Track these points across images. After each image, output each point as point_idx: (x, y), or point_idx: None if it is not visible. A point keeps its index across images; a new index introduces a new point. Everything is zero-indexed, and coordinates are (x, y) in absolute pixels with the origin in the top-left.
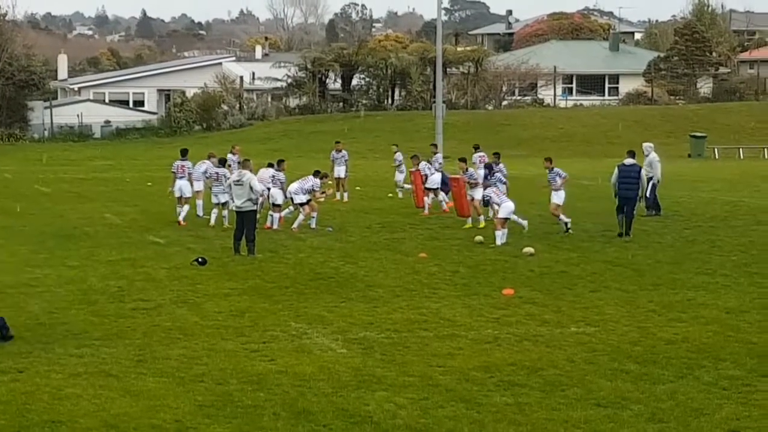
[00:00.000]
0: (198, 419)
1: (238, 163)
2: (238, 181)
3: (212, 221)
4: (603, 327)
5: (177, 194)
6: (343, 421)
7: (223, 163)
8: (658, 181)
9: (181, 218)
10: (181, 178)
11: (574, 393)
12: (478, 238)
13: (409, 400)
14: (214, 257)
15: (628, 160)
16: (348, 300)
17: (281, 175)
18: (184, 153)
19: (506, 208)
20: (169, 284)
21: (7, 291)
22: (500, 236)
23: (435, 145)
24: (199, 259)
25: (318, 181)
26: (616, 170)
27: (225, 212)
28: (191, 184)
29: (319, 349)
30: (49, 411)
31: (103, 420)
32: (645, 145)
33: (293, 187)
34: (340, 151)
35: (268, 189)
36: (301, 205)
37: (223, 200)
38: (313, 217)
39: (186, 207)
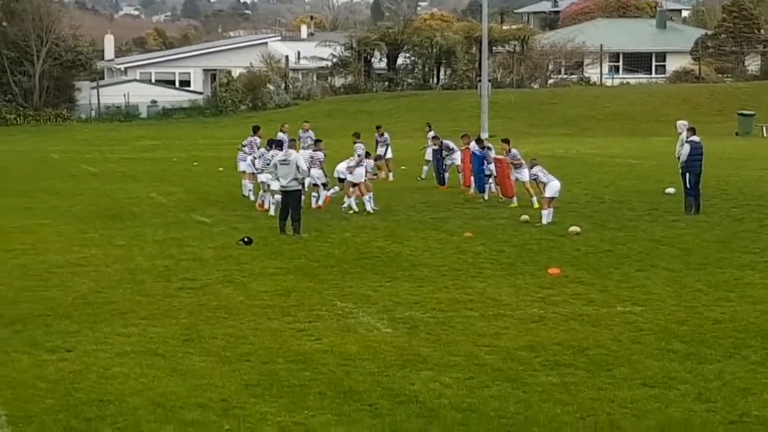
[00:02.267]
0: (244, 398)
1: (291, 140)
2: (284, 160)
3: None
4: (649, 306)
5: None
6: (389, 400)
7: (271, 144)
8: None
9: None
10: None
11: (621, 372)
12: (524, 217)
13: (455, 379)
14: (260, 236)
15: (696, 137)
16: (393, 279)
17: (320, 155)
18: (255, 129)
19: (553, 187)
20: (215, 263)
21: (55, 270)
22: (546, 215)
23: (429, 124)
24: (245, 239)
25: (371, 162)
26: (687, 147)
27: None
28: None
29: (365, 328)
30: (96, 390)
31: (150, 399)
32: (679, 123)
33: (341, 166)
34: (383, 134)
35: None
36: (354, 185)
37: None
38: (368, 199)
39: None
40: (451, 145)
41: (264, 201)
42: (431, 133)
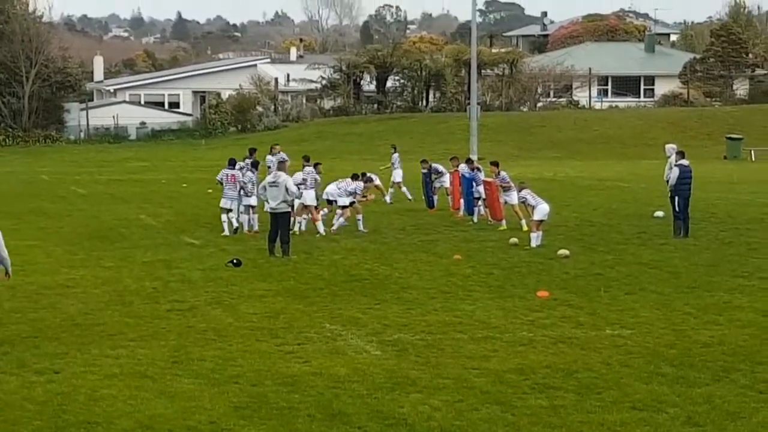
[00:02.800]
0: (233, 420)
1: (281, 162)
2: (273, 182)
3: (245, 227)
4: (638, 330)
5: (225, 205)
6: (378, 423)
7: (255, 165)
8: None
9: (227, 230)
10: (230, 190)
11: (610, 396)
12: (513, 240)
13: (444, 402)
14: (249, 258)
15: (685, 161)
16: (382, 302)
17: (317, 176)
18: (232, 163)
19: (541, 210)
20: (203, 285)
21: (44, 292)
22: (535, 238)
23: (394, 146)
24: (234, 261)
25: (361, 184)
26: (676, 170)
27: (225, 217)
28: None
29: (354, 350)
30: (84, 412)
31: (138, 421)
32: (668, 146)
33: (331, 188)
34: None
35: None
36: (343, 207)
37: (234, 206)
38: (359, 219)
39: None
40: (440, 168)
41: (253, 224)
42: (396, 155)
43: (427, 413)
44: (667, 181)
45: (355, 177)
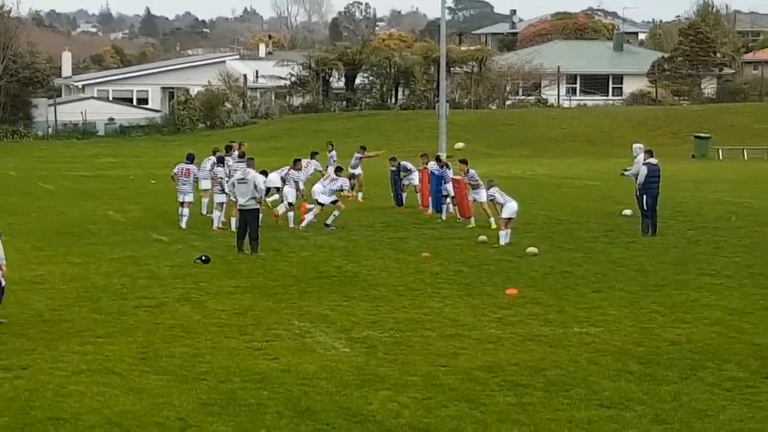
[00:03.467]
0: (201, 417)
1: (250, 159)
2: (242, 179)
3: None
4: (606, 327)
5: (180, 199)
6: (346, 420)
7: (221, 161)
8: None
9: (184, 224)
10: (184, 183)
11: (578, 393)
12: (482, 237)
13: (412, 399)
14: (217, 255)
15: (653, 159)
16: (351, 299)
17: (296, 174)
18: (190, 158)
19: (509, 208)
20: (172, 282)
21: (11, 288)
22: (504, 236)
23: (331, 143)
24: (203, 257)
25: (347, 180)
26: (645, 169)
27: (184, 210)
28: (195, 188)
29: (322, 347)
30: (52, 408)
31: (106, 417)
32: (635, 146)
33: (317, 187)
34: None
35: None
36: (323, 204)
37: (188, 199)
38: (336, 215)
39: (186, 211)
40: (409, 165)
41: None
42: (333, 153)
43: (396, 410)
44: (624, 173)
45: (339, 171)
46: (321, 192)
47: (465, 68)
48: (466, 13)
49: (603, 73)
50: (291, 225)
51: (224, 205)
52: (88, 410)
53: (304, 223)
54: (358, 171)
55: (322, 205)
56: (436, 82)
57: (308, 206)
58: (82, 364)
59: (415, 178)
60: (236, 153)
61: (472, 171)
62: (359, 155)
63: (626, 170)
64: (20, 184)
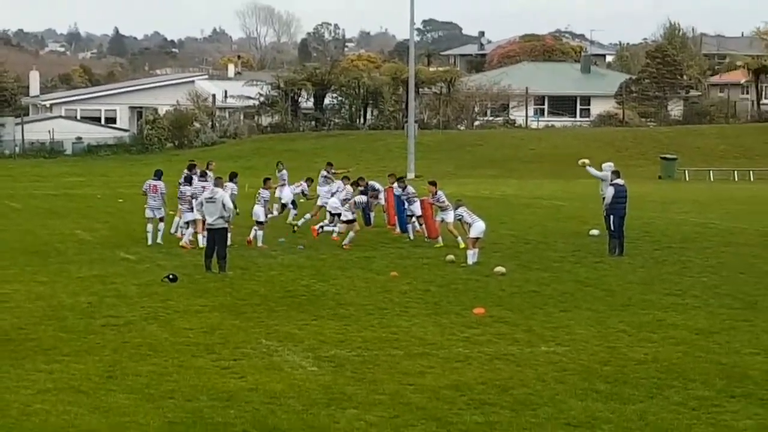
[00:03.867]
0: None
1: (218, 178)
2: (210, 198)
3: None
4: (573, 347)
5: (148, 215)
6: None
7: (188, 180)
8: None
9: (150, 239)
10: (154, 200)
11: (545, 412)
12: (450, 257)
13: (380, 418)
14: (185, 274)
15: (620, 180)
16: (319, 318)
17: (266, 193)
18: (158, 174)
19: (477, 227)
20: (139, 300)
21: None
22: (471, 255)
23: (280, 162)
24: (170, 276)
25: (350, 188)
26: (612, 189)
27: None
28: (163, 205)
29: (290, 366)
30: (17, 427)
31: None
32: (605, 165)
33: (333, 201)
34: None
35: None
36: (348, 221)
37: (158, 215)
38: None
39: (161, 226)
40: (377, 185)
41: (254, 236)
42: (284, 172)
43: (363, 429)
44: (603, 198)
45: (346, 180)
46: (337, 205)
47: (433, 89)
48: (434, 35)
49: (571, 94)
50: (260, 244)
51: (196, 223)
52: (53, 429)
53: (346, 241)
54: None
55: (351, 221)
56: (405, 103)
57: (317, 228)
58: (48, 382)
59: (383, 198)
60: (199, 171)
61: (439, 192)
62: (325, 173)
63: (587, 164)
64: None
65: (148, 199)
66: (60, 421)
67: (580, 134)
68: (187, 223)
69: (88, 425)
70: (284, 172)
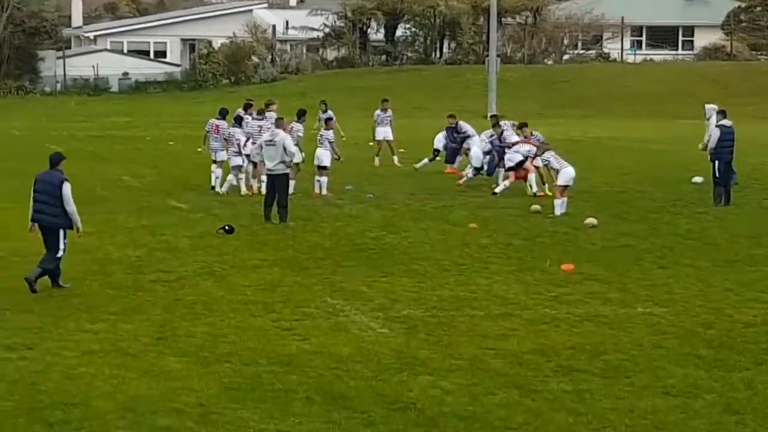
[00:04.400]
0: (223, 403)
1: (279, 119)
2: (270, 141)
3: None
4: (673, 308)
5: (212, 157)
6: (384, 407)
7: (238, 120)
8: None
9: (218, 186)
10: (215, 140)
11: (641, 380)
12: (535, 207)
13: (457, 385)
14: (242, 225)
15: (727, 121)
16: (390, 274)
17: (329, 134)
18: (222, 113)
19: (566, 174)
20: (192, 254)
21: (16, 259)
22: (559, 205)
23: (323, 102)
24: (226, 227)
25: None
26: (717, 132)
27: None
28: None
29: (358, 328)
30: (60, 392)
31: (119, 402)
32: (708, 106)
33: (479, 149)
34: (387, 110)
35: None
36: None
37: (220, 158)
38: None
39: (219, 171)
40: (468, 128)
41: (319, 187)
42: (329, 113)
43: (439, 397)
44: (705, 147)
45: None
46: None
47: (518, 19)
48: None
49: (672, 24)
50: (324, 192)
51: (242, 168)
52: (99, 394)
53: (462, 180)
54: (386, 130)
55: (518, 167)
56: (486, 35)
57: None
58: (93, 343)
59: (474, 142)
60: (255, 112)
61: (536, 132)
62: (382, 113)
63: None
64: (25, 145)
65: (210, 140)
66: (106, 386)
67: (682, 69)
68: (237, 167)
69: (137, 390)
70: (329, 112)
